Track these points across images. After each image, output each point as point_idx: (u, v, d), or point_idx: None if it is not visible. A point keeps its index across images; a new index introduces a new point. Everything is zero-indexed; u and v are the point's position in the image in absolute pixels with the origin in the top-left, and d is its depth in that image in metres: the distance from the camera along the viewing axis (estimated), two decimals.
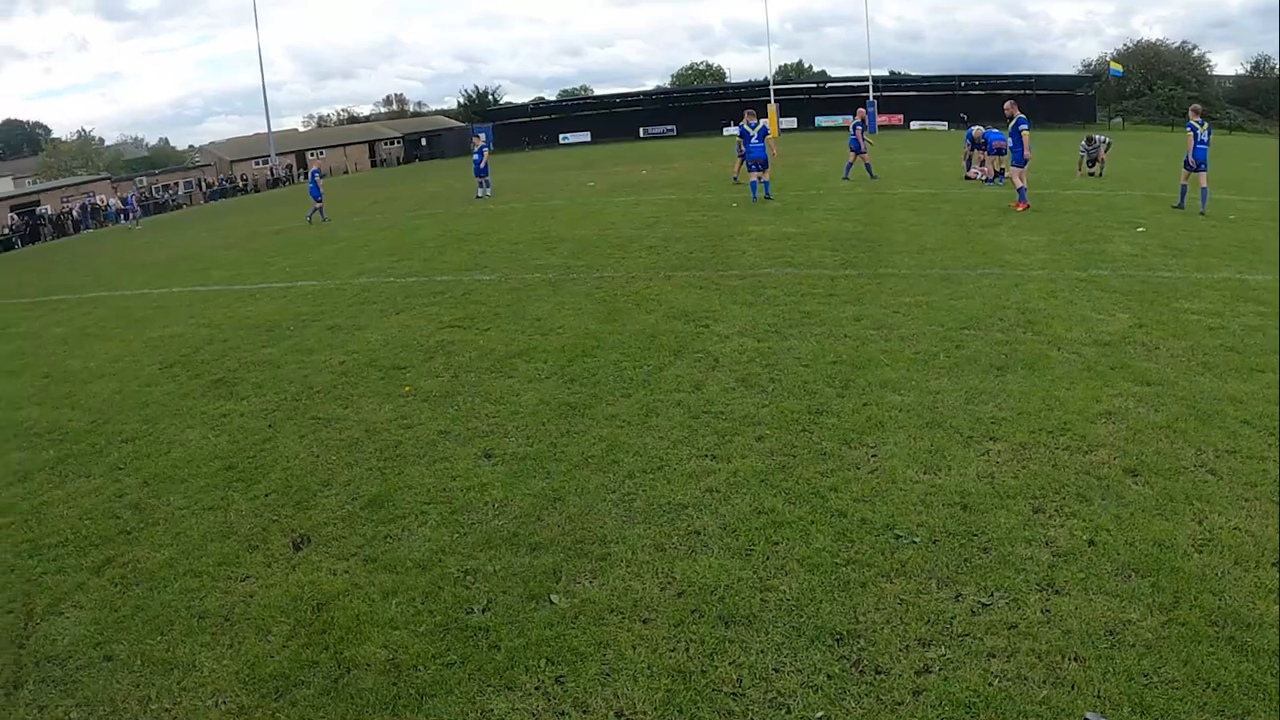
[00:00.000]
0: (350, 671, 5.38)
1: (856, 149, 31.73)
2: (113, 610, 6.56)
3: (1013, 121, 22.96)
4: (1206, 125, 21.93)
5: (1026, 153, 22.52)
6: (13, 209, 69.11)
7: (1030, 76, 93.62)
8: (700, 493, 7.12)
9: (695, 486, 7.23)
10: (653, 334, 11.64)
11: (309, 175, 36.80)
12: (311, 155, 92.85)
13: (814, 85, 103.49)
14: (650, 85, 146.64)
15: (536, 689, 5.07)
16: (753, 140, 26.53)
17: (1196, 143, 21.75)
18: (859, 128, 31.96)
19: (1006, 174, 24.04)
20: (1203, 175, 21.71)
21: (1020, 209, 21.75)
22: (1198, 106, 23.70)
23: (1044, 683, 4.78)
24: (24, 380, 14.25)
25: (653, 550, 6.35)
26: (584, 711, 4.87)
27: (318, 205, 34.78)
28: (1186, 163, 22.07)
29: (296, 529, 7.32)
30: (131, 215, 60.49)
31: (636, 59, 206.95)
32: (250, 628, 6.02)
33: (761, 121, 27.64)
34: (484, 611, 5.84)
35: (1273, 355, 9.96)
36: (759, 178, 26.48)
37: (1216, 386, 9.09)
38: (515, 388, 10.00)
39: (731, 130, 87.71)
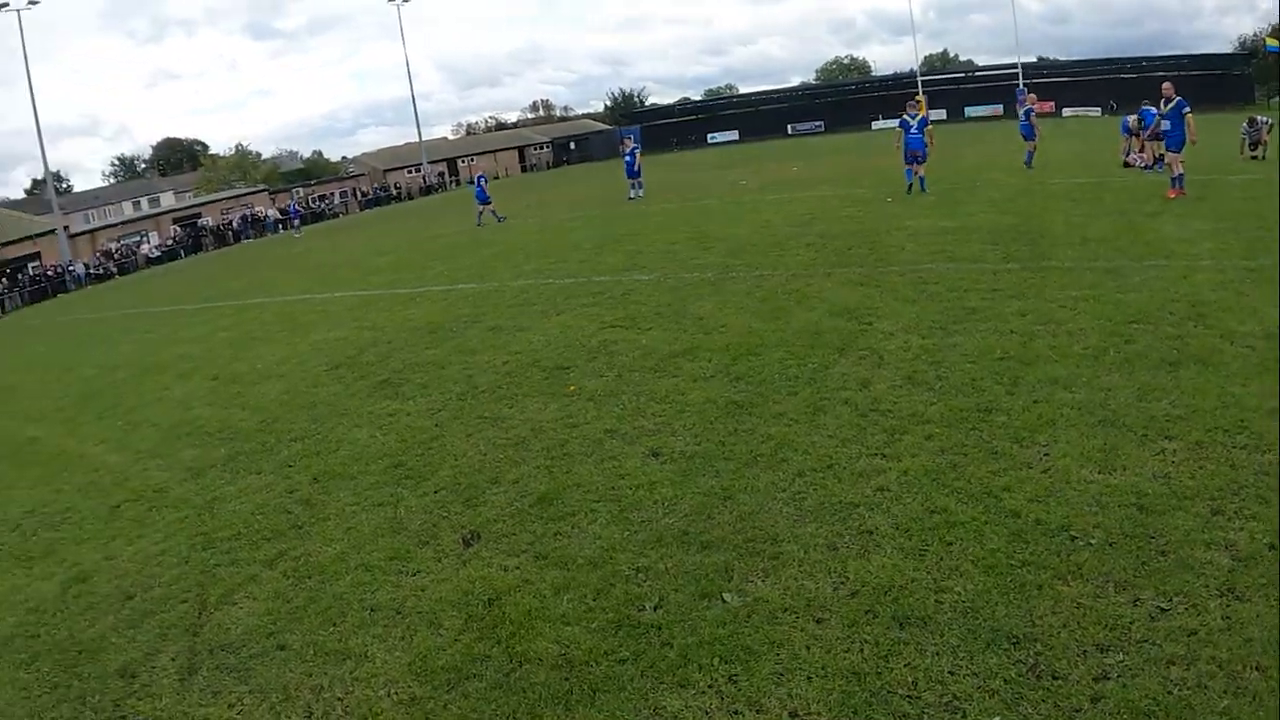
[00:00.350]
0: (522, 666, 5.38)
1: (1030, 134, 30.41)
2: (285, 601, 6.70)
3: (1172, 104, 22.08)
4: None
5: (1193, 137, 21.47)
6: (175, 221, 72.40)
7: (1183, 56, 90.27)
8: (871, 491, 6.94)
9: (866, 485, 7.05)
10: (816, 331, 11.44)
11: (475, 181, 37.51)
12: (463, 162, 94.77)
13: (961, 75, 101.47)
14: (795, 81, 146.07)
15: (710, 687, 4.98)
16: (911, 131, 26.21)
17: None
18: (1032, 113, 30.75)
19: (1166, 160, 23.07)
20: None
21: (1174, 196, 20.88)
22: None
23: (1225, 692, 4.49)
24: (194, 382, 14.71)
25: (825, 549, 6.19)
26: (758, 711, 4.77)
27: (486, 208, 35.65)
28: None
29: (466, 525, 7.37)
30: (295, 223, 62.76)
31: (780, 55, 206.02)
32: (422, 621, 6.07)
33: (921, 112, 27.37)
34: (656, 609, 5.76)
35: None
36: (915, 170, 26.05)
37: None
38: (680, 386, 9.91)
39: (881, 124, 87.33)
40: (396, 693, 5.34)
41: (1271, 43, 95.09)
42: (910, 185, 26.16)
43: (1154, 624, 5.08)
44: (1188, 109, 21.44)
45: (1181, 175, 21.22)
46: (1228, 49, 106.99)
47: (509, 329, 13.99)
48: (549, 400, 10.10)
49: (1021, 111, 31.44)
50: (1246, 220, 17.44)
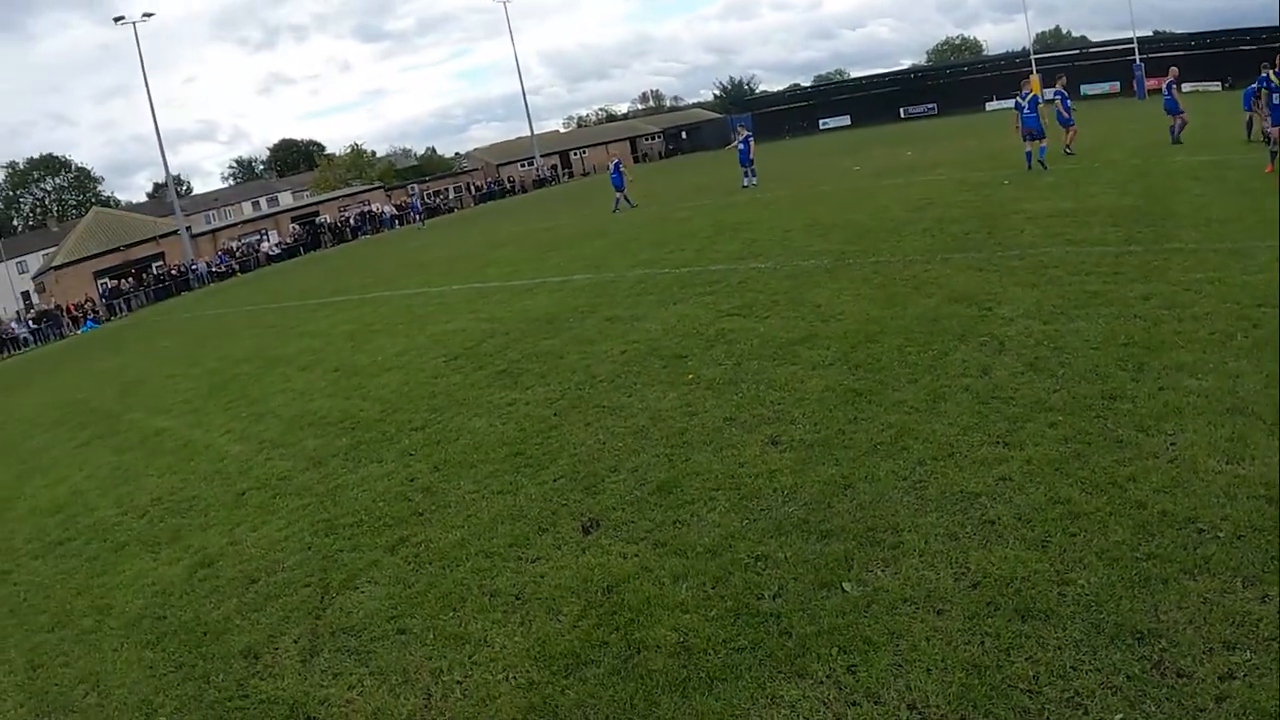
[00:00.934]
0: (640, 652, 5.40)
1: (1174, 109, 29.43)
2: (406, 586, 6.82)
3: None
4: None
5: None
6: (294, 220, 74.15)
7: None
8: (993, 481, 6.80)
9: (988, 474, 6.91)
10: (934, 318, 11.27)
11: (613, 167, 38.29)
12: (575, 154, 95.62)
13: (1076, 51, 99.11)
14: (906, 64, 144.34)
15: (828, 677, 4.95)
16: (1025, 111, 26.39)
17: None
18: (1173, 86, 29.76)
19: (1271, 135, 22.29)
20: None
21: (1269, 171, 20.26)
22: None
23: None
24: (316, 374, 15.02)
25: (946, 539, 6.10)
26: (875, 702, 4.72)
27: (621, 195, 36.66)
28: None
29: (585, 513, 7.42)
30: (417, 216, 64.32)
31: (889, 38, 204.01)
32: (541, 607, 6.13)
33: (1030, 91, 27.51)
34: (775, 598, 5.74)
35: None
36: (1038, 143, 26.15)
37: None
38: (799, 374, 9.84)
39: (995, 105, 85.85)
40: (515, 677, 5.41)
41: None
42: (1030, 164, 26.08)
43: None
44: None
45: (1277, 151, 20.68)
46: None
47: (626, 319, 14.05)
48: (667, 389, 10.11)
49: (1164, 86, 30.57)
50: None
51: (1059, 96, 29.58)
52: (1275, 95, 21.38)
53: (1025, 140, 26.46)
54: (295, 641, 6.42)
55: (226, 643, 6.66)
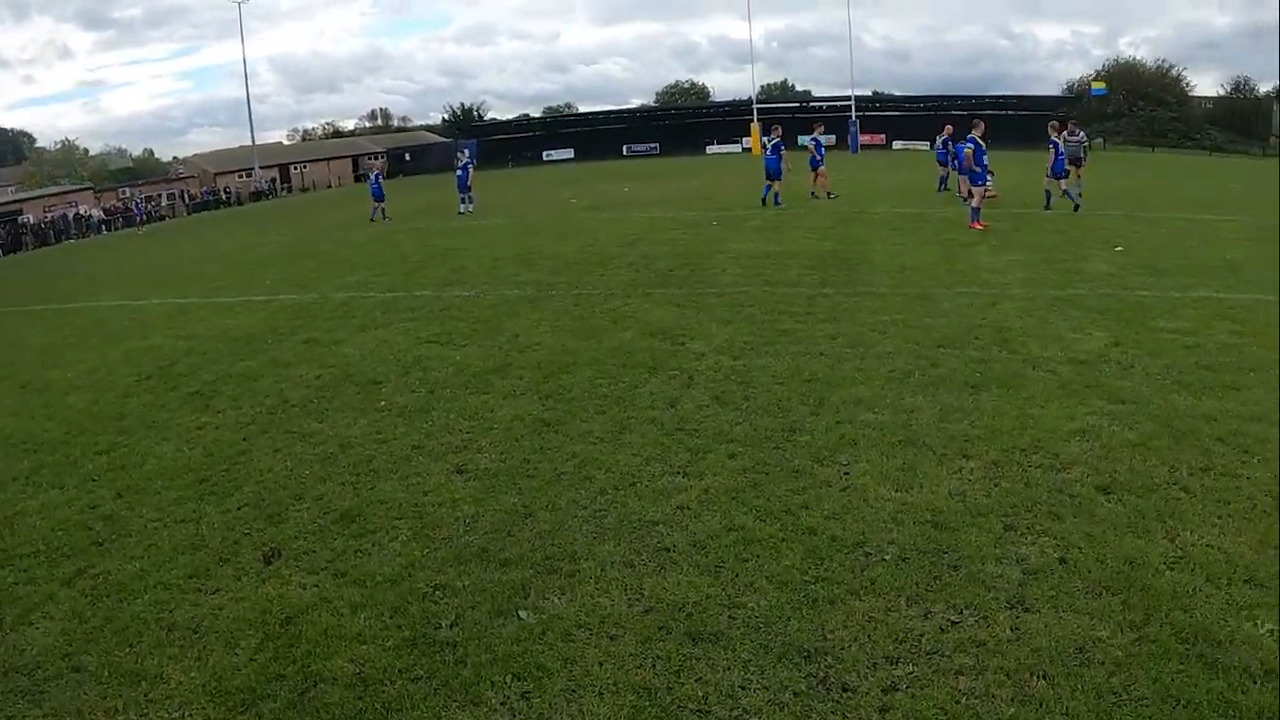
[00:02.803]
0: (317, 685, 5.38)
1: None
2: (82, 621, 6.55)
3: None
4: (1080, 133, 24.19)
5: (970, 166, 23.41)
6: None
7: (1013, 97, 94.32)
8: (671, 509, 7.11)
9: (667, 503, 7.22)
10: (629, 351, 11.65)
11: (373, 178, 38.22)
12: (295, 169, 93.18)
13: (796, 105, 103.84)
14: (635, 103, 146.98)
15: (502, 704, 5.07)
16: (768, 153, 29.69)
17: (1057, 155, 25.42)
18: (815, 143, 31.54)
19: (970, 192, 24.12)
20: (1062, 181, 25.69)
21: (976, 227, 22.04)
22: (1055, 124, 26.47)
23: (1012, 700, 4.79)
24: (2, 390, 14.21)
25: (622, 567, 6.34)
26: None
27: (380, 205, 36.60)
28: (1052, 172, 25.64)
29: (268, 542, 7.31)
30: (139, 219, 62.25)
31: (622, 77, 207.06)
32: (218, 640, 6.00)
33: (776, 137, 30.17)
34: (452, 627, 5.83)
35: (1248, 373, 10.07)
36: (772, 186, 29.50)
37: (1191, 404, 9.17)
38: (490, 404, 9.97)
39: (715, 149, 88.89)
40: (191, 714, 5.28)
41: (1098, 86, 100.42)
42: (764, 198, 29.43)
43: (944, 636, 5.38)
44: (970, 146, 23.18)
45: (977, 209, 22.66)
46: (1056, 92, 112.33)
47: (325, 342, 13.84)
48: (359, 415, 10.05)
49: (940, 140, 32.69)
50: (1058, 252, 18.47)
51: (814, 143, 31.45)
52: (982, 157, 23.06)
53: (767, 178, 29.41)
54: None
55: None
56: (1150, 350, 11.08)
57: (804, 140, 32.08)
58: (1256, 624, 5.39)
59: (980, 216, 22.43)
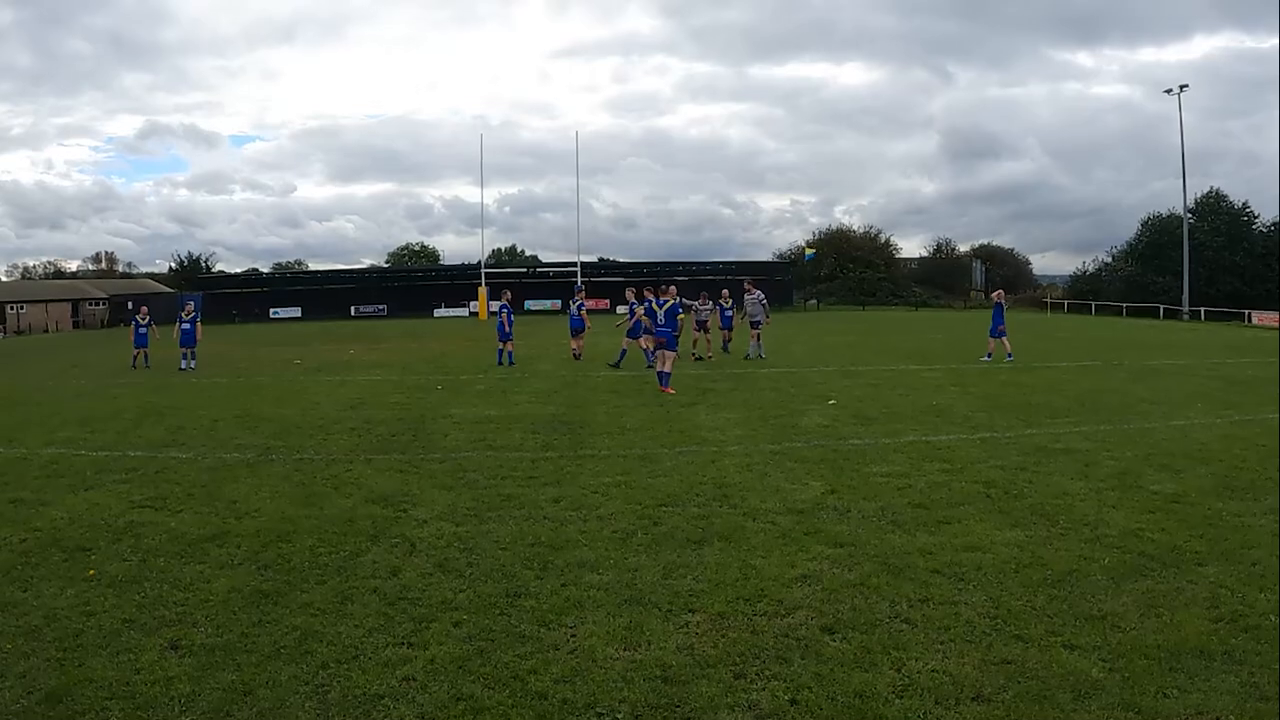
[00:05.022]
0: None
1: (579, 327, 34.10)
2: None
3: (669, 305, 24.78)
4: (667, 303, 24.77)
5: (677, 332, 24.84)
6: None
7: (733, 263, 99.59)
8: (397, 682, 7.10)
9: (392, 675, 7.21)
10: (350, 519, 11.60)
11: (137, 321, 37.24)
12: (11, 309, 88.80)
13: (524, 270, 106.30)
14: (366, 262, 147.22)
15: None
16: (573, 312, 34.61)
17: (641, 316, 28.78)
18: (581, 307, 34.30)
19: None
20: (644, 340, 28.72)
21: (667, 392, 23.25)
22: (632, 289, 30.99)
23: None
24: None
25: None
26: None
27: (142, 351, 36.57)
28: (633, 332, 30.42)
29: None
30: None
31: (354, 235, 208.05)
32: None
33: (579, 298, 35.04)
34: None
35: (958, 507, 11.51)
36: (503, 348, 32.58)
37: (906, 541, 10.08)
38: (206, 574, 9.70)
39: (443, 311, 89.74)
40: None
41: (809, 251, 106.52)
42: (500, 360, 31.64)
43: None
44: (678, 311, 24.43)
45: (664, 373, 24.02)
46: (771, 257, 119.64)
47: (31, 502, 13.07)
48: (66, 584, 9.52)
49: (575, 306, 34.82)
50: (773, 409, 19.68)
51: (578, 306, 34.49)
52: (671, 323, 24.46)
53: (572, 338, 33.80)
54: None
55: None
56: (864, 494, 12.10)
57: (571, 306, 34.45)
58: None
59: (668, 382, 23.71)
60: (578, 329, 34.18)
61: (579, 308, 34.82)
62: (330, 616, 8.43)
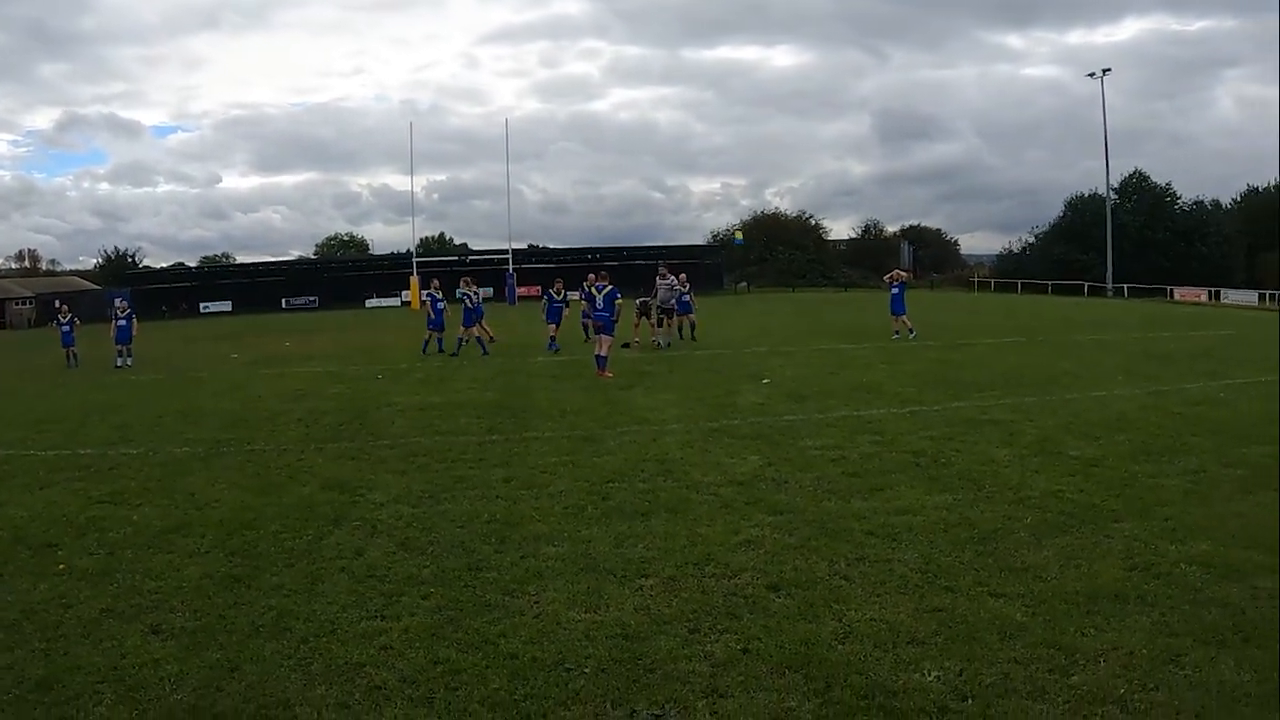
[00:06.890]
0: None
1: (688, 309, 34.32)
2: None
3: (607, 290, 25.39)
4: (605, 288, 25.46)
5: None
6: None
7: (663, 247, 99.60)
8: (375, 650, 7.42)
9: (370, 645, 7.52)
10: (310, 505, 11.90)
11: (64, 322, 37.98)
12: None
13: (455, 258, 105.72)
14: (294, 254, 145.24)
15: None
16: (468, 303, 32.68)
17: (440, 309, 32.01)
18: (470, 297, 33.24)
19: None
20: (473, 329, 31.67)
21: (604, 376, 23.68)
22: (468, 279, 32.28)
23: None
24: None
25: (337, 708, 6.55)
26: None
27: (71, 350, 37.08)
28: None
29: None
30: None
31: (281, 226, 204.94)
32: None
33: (476, 289, 33.51)
34: None
35: (889, 475, 12.25)
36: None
37: (841, 507, 10.77)
38: (176, 562, 9.93)
39: (375, 302, 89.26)
40: None
41: (738, 235, 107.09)
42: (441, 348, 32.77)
43: None
44: (617, 297, 24.93)
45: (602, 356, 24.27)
46: (703, 241, 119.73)
47: None
48: (38, 580, 9.68)
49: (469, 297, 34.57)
50: (710, 389, 20.28)
51: (465, 297, 33.26)
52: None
53: (461, 328, 32.89)
54: None
55: None
56: (800, 466, 12.77)
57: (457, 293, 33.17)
58: (924, 674, 6.54)
59: (605, 365, 24.11)
60: (556, 317, 33.38)
61: (564, 297, 34.12)
62: (303, 596, 8.75)
